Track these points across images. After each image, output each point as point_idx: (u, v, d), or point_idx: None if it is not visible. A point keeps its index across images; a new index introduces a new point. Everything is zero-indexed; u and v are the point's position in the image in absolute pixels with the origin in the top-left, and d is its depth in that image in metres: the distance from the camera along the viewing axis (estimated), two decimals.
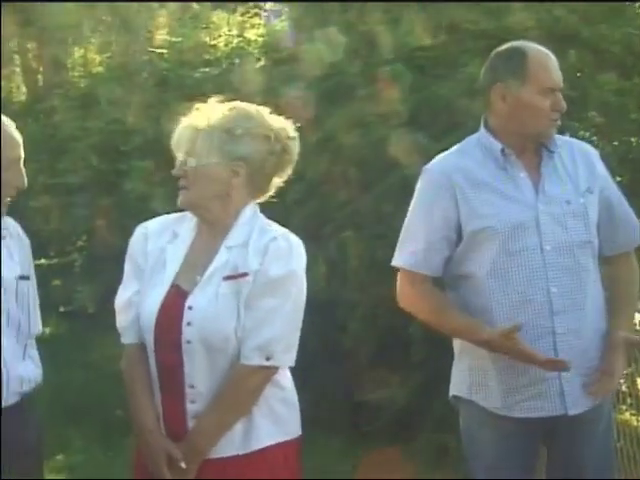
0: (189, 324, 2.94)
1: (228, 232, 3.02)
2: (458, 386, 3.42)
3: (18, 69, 14.30)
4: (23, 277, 3.26)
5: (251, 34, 8.14)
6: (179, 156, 3.05)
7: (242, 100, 3.12)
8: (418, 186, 3.41)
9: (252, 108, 3.07)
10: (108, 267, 7.56)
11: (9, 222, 3.31)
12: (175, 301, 2.98)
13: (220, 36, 8.33)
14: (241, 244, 3.00)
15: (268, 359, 2.95)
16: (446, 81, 5.92)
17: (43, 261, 9.04)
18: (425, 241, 3.34)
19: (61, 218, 7.52)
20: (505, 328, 3.17)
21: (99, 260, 7.85)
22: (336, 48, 6.63)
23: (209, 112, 3.04)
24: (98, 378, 7.91)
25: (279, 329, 2.95)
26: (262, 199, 3.13)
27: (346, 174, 5.86)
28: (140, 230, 3.15)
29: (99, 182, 7.18)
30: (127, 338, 3.09)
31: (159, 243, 3.09)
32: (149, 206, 6.94)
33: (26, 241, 3.36)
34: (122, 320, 3.10)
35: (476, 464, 3.40)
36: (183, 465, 2.94)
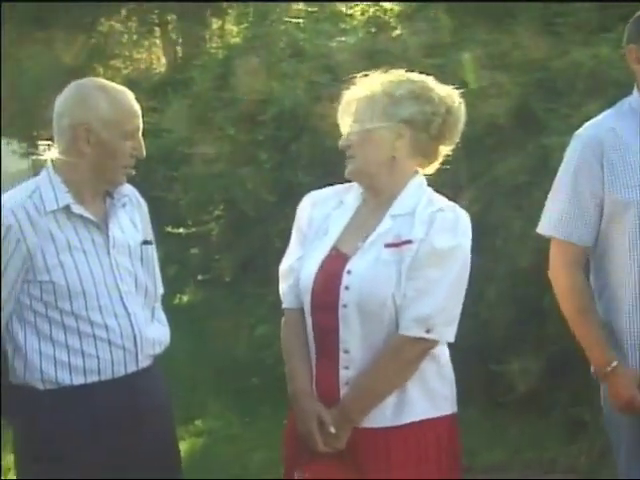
0: (347, 288, 2.94)
1: (393, 201, 3.01)
2: None
3: (158, 41, 14.52)
4: (146, 242, 3.32)
5: (387, 2, 8.08)
6: (344, 129, 3.06)
7: (379, 70, 3.12)
8: (567, 152, 3.31)
9: (414, 74, 3.06)
10: (244, 236, 7.65)
11: (129, 189, 3.36)
12: (335, 265, 2.99)
13: (356, 5, 8.30)
14: (407, 213, 2.98)
15: (428, 331, 2.91)
16: (587, 47, 5.78)
17: (181, 230, 9.19)
18: (571, 209, 3.25)
19: (199, 188, 7.63)
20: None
21: (236, 229, 7.93)
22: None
23: (371, 81, 3.04)
24: (234, 346, 8.02)
25: (441, 301, 2.91)
26: (430, 169, 3.12)
27: (482, 143, 5.79)
28: (308, 198, 3.19)
29: (236, 152, 7.25)
30: (287, 303, 3.13)
31: (324, 210, 3.12)
32: (284, 176, 6.99)
33: (145, 206, 3.42)
34: (284, 286, 3.14)
35: (617, 442, 3.31)
36: (333, 430, 2.94)
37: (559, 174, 3.32)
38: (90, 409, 3.12)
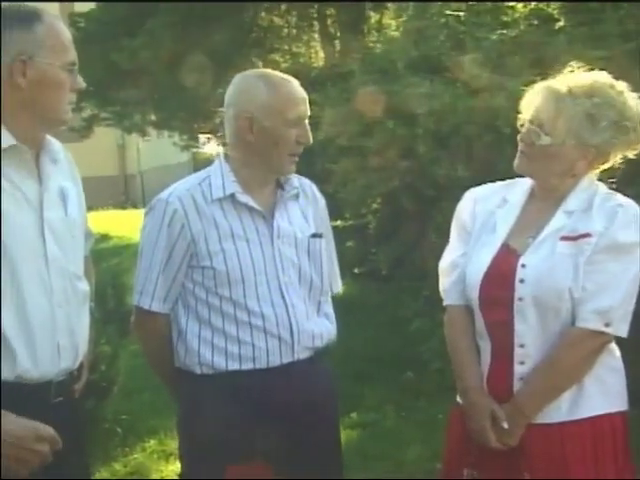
0: (522, 281, 2.93)
1: (565, 198, 2.99)
2: None
3: (317, 35, 14.63)
4: (316, 235, 3.33)
5: None
6: (525, 119, 3.02)
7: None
8: None
9: (613, 90, 2.98)
10: (402, 230, 7.64)
11: (305, 182, 3.39)
12: (506, 259, 2.97)
13: None
14: (582, 209, 2.96)
15: (607, 325, 2.88)
16: None
17: (339, 223, 9.23)
18: None
19: (357, 181, 7.64)
20: None
21: (393, 223, 7.93)
22: None
23: (570, 85, 2.97)
24: (390, 339, 8.03)
25: (621, 295, 2.88)
26: (605, 166, 3.09)
27: None
28: (469, 195, 3.19)
29: (394, 145, 7.24)
30: (450, 299, 3.13)
31: (488, 206, 3.11)
32: (442, 170, 6.94)
33: (321, 201, 3.43)
34: (445, 282, 3.14)
35: None
36: (506, 426, 2.92)
37: None
38: (243, 395, 3.17)
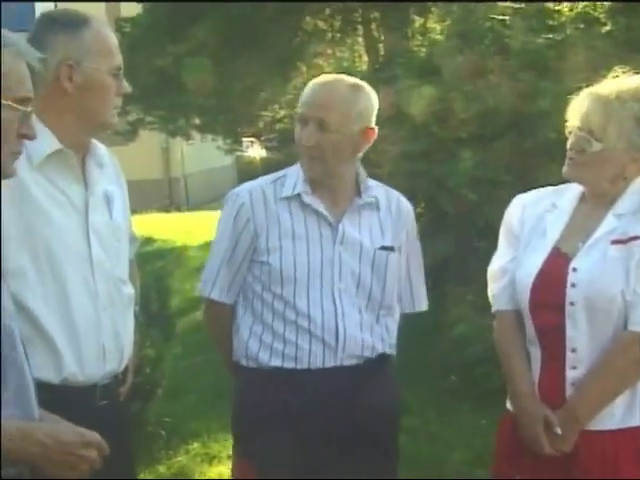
0: (573, 285, 2.90)
1: (615, 201, 2.97)
2: None
3: (361, 39, 14.62)
4: (385, 248, 3.27)
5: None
6: (573, 126, 2.99)
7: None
8: None
9: None
10: (444, 234, 7.62)
11: (392, 194, 3.35)
12: (557, 264, 2.95)
13: (565, 1, 8.14)
14: (632, 211, 2.94)
15: None
16: None
17: None
18: None
19: (402, 185, 7.63)
20: None
21: (435, 227, 7.91)
22: None
23: (616, 89, 2.95)
24: (433, 343, 8.00)
25: None
26: None
27: None
28: (517, 201, 3.17)
29: (438, 149, 7.23)
30: (499, 305, 3.11)
31: (537, 211, 3.09)
32: (486, 174, 6.92)
33: (408, 216, 3.36)
34: (494, 287, 3.12)
35: None
36: (559, 431, 2.90)
37: None
38: (281, 392, 3.19)
